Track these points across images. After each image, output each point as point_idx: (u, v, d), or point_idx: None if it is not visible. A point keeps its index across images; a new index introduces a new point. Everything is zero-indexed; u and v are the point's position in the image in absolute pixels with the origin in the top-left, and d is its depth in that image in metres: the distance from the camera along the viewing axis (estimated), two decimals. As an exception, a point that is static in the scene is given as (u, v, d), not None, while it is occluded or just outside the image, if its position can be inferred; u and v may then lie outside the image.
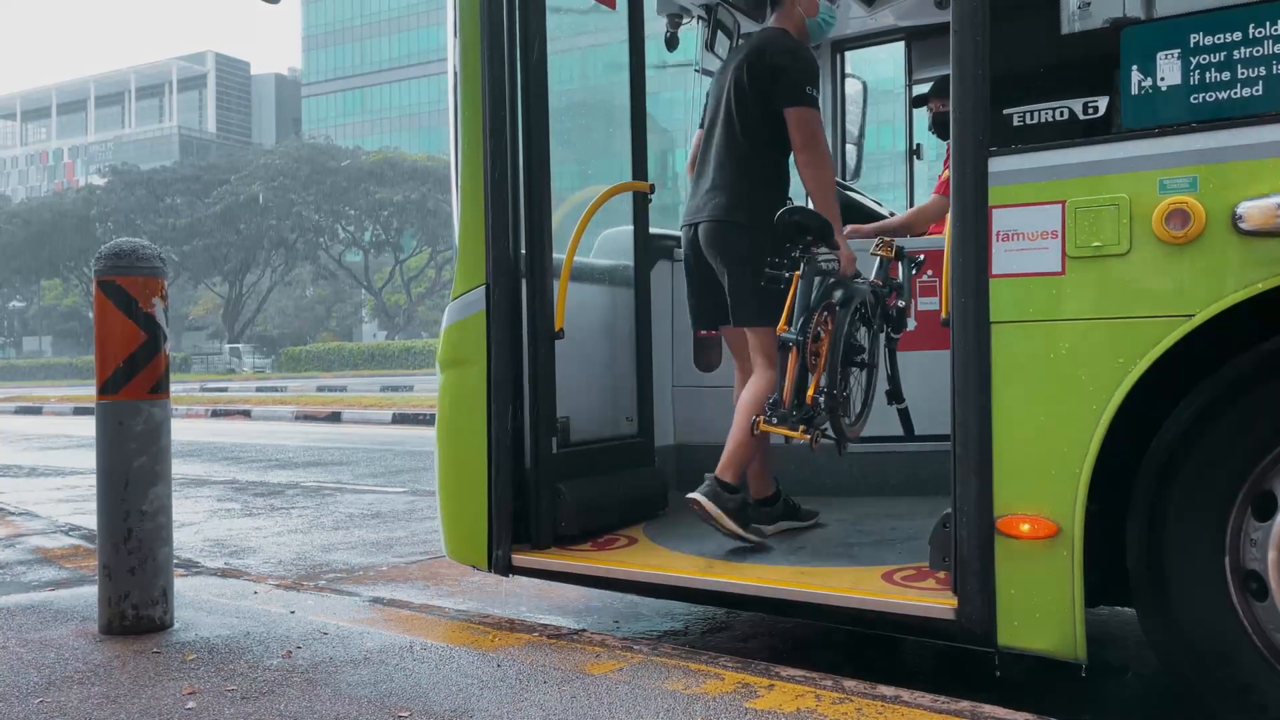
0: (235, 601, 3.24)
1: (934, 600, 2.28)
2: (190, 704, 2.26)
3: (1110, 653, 2.89)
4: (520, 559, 2.95)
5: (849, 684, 2.35)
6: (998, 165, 2.18)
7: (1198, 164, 1.99)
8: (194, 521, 5.77)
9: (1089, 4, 2.14)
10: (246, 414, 16.36)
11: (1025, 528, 2.15)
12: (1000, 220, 2.18)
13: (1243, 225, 1.94)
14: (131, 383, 2.82)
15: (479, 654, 2.62)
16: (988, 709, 2.15)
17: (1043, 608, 2.14)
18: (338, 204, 48.76)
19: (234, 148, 71.82)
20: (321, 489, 7.10)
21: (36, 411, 19.67)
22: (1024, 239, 2.16)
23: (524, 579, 3.14)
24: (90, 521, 4.35)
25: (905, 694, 2.27)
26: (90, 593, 3.15)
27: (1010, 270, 2.17)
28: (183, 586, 3.34)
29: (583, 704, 2.23)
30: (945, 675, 2.84)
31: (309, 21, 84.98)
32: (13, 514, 5.48)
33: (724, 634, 3.33)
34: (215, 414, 16.88)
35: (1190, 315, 1.99)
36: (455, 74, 3.01)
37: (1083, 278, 2.10)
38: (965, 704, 2.19)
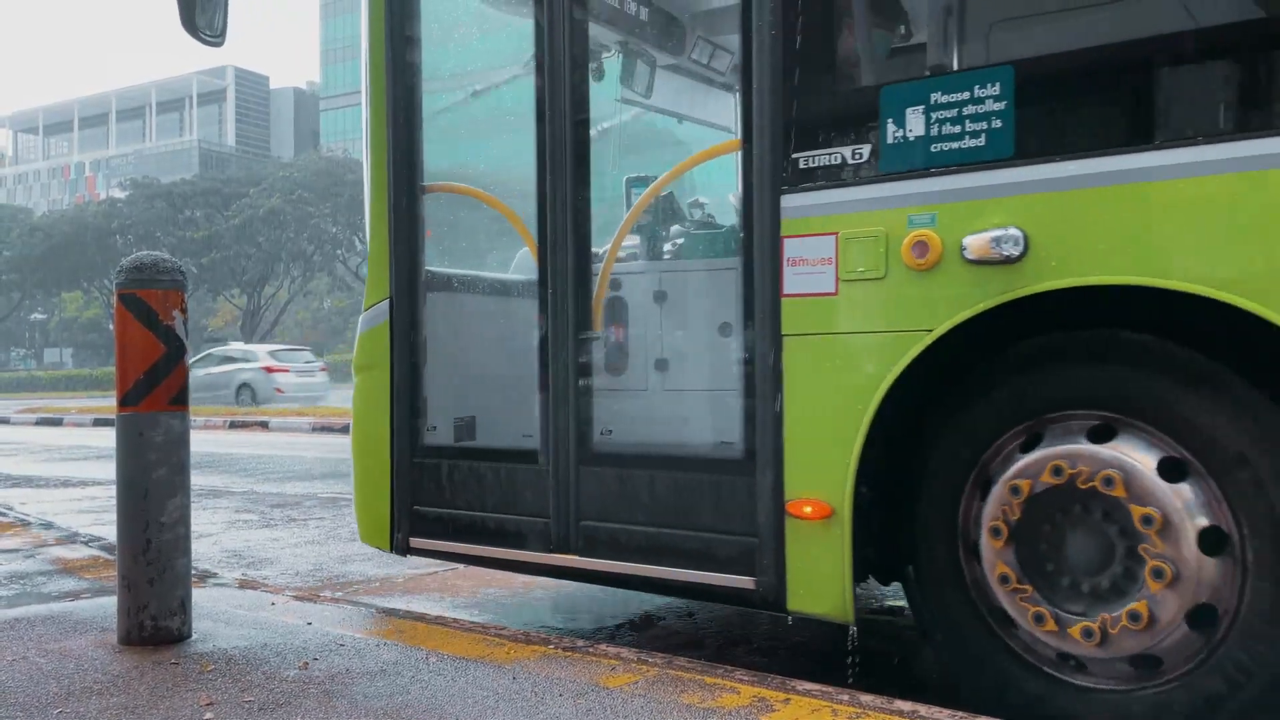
0: (253, 613, 3.25)
1: (739, 573, 2.67)
2: (208, 715, 2.27)
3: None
4: (416, 542, 3.29)
5: (865, 698, 2.34)
6: (788, 201, 2.54)
7: (938, 203, 2.35)
8: (212, 532, 5.79)
9: (857, 66, 2.61)
10: (264, 425, 16.44)
11: (808, 510, 2.52)
12: (790, 248, 2.54)
13: (968, 255, 2.29)
14: (152, 394, 2.85)
15: (494, 666, 2.62)
16: (1006, 724, 2.14)
17: (821, 578, 2.51)
18: (355, 216, 49.02)
19: (253, 161, 72.43)
20: (338, 500, 7.12)
21: (57, 423, 19.83)
22: (808, 264, 2.52)
23: (551, 587, 3.14)
24: (110, 532, 4.38)
25: (922, 709, 2.26)
26: (109, 603, 3.17)
27: (797, 291, 2.54)
28: (201, 597, 3.35)
29: (598, 717, 2.22)
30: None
31: (328, 35, 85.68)
32: (33, 524, 5.52)
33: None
34: (233, 425, 16.97)
35: (930, 330, 2.35)
36: (366, 107, 3.37)
37: (851, 298, 2.46)
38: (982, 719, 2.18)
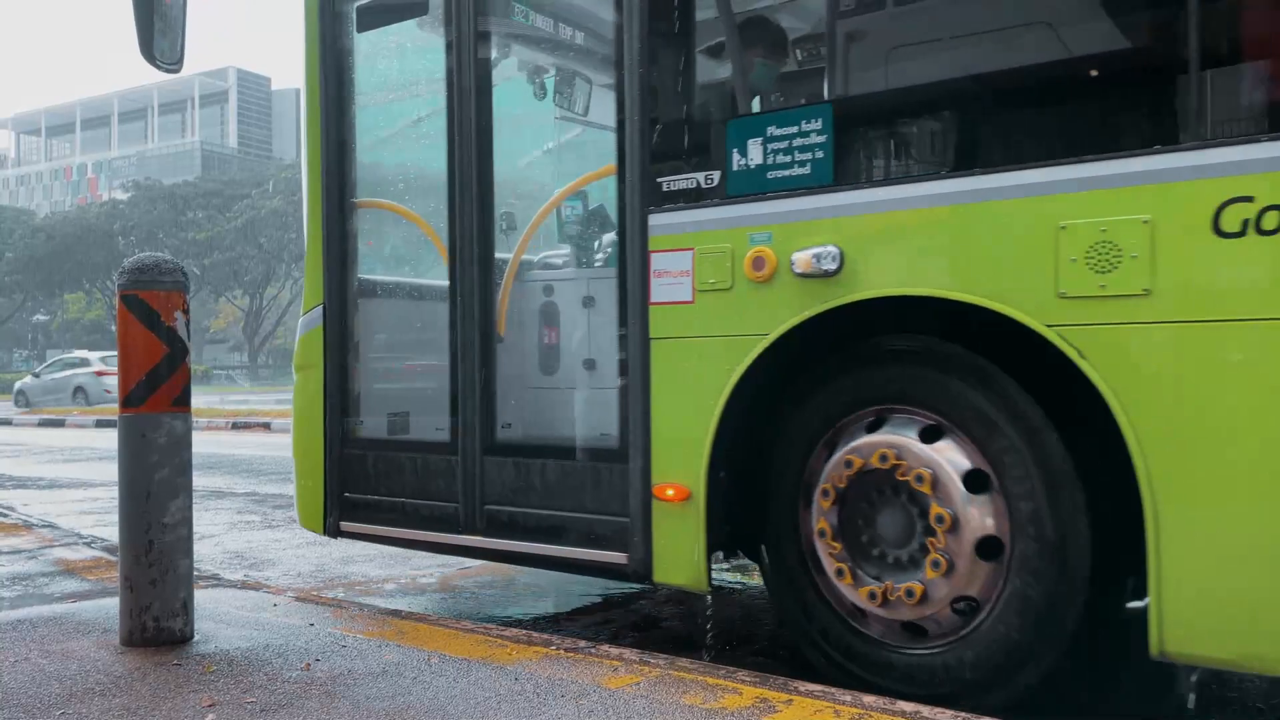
0: (255, 614, 3.25)
1: (615, 550, 2.97)
2: (210, 716, 2.27)
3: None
4: (346, 525, 3.65)
5: (868, 699, 2.34)
6: (654, 220, 2.86)
7: (772, 223, 2.66)
8: (214, 534, 5.80)
9: (704, 102, 2.93)
10: (267, 426, 16.45)
11: (670, 493, 2.84)
12: (656, 261, 2.87)
13: (796, 269, 2.60)
14: (154, 396, 2.85)
15: (497, 667, 2.62)
16: (1009, 725, 2.14)
17: (681, 553, 2.83)
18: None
19: (255, 162, 72.42)
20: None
21: (60, 424, 19.85)
22: (670, 276, 2.84)
23: (551, 584, 3.16)
24: (112, 534, 4.38)
25: (925, 710, 2.25)
26: (112, 604, 3.17)
27: (662, 299, 2.86)
28: (203, 598, 3.35)
29: (600, 718, 2.22)
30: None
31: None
32: (36, 526, 5.52)
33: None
34: (235, 426, 16.98)
35: (767, 334, 2.66)
36: (304, 132, 3.73)
37: (704, 306, 2.78)
38: (986, 720, 2.18)
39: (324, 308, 3.65)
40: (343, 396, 3.65)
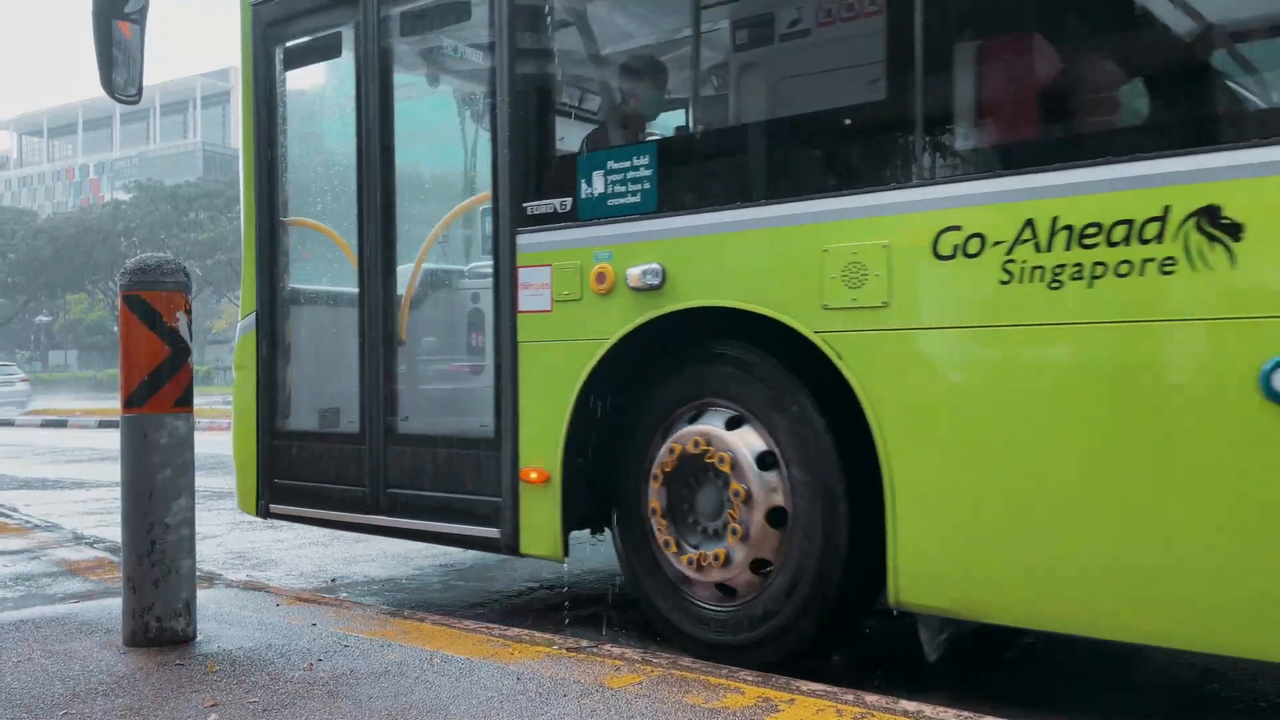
0: (257, 614, 3.26)
1: (491, 527, 3.39)
2: (212, 716, 2.27)
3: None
4: (274, 508, 4.07)
5: (870, 699, 2.34)
6: (521, 239, 3.28)
7: (612, 244, 3.09)
8: (216, 534, 5.80)
9: (560, 139, 3.39)
10: (268, 427, 16.42)
11: (534, 476, 3.24)
12: (522, 275, 3.28)
13: (629, 283, 3.02)
14: (156, 396, 2.85)
15: (499, 667, 2.62)
16: (1011, 724, 2.13)
17: (542, 528, 3.23)
18: (359, 217, 48.88)
19: (257, 163, 72.04)
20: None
21: (62, 425, 19.87)
22: (534, 288, 3.26)
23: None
24: (115, 534, 4.38)
25: (928, 709, 2.25)
26: (114, 605, 3.18)
27: (528, 308, 3.27)
28: (205, 599, 3.36)
29: (602, 718, 2.22)
30: (957, 675, 2.83)
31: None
32: (38, 526, 5.53)
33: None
34: (238, 427, 16.95)
35: (607, 339, 3.08)
36: (241, 158, 4.23)
37: (560, 314, 3.20)
38: None
39: (256, 314, 4.13)
40: (272, 393, 4.10)
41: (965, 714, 2.21)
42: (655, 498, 3.08)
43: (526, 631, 3.09)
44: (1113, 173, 2.30)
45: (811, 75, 3.15)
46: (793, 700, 2.32)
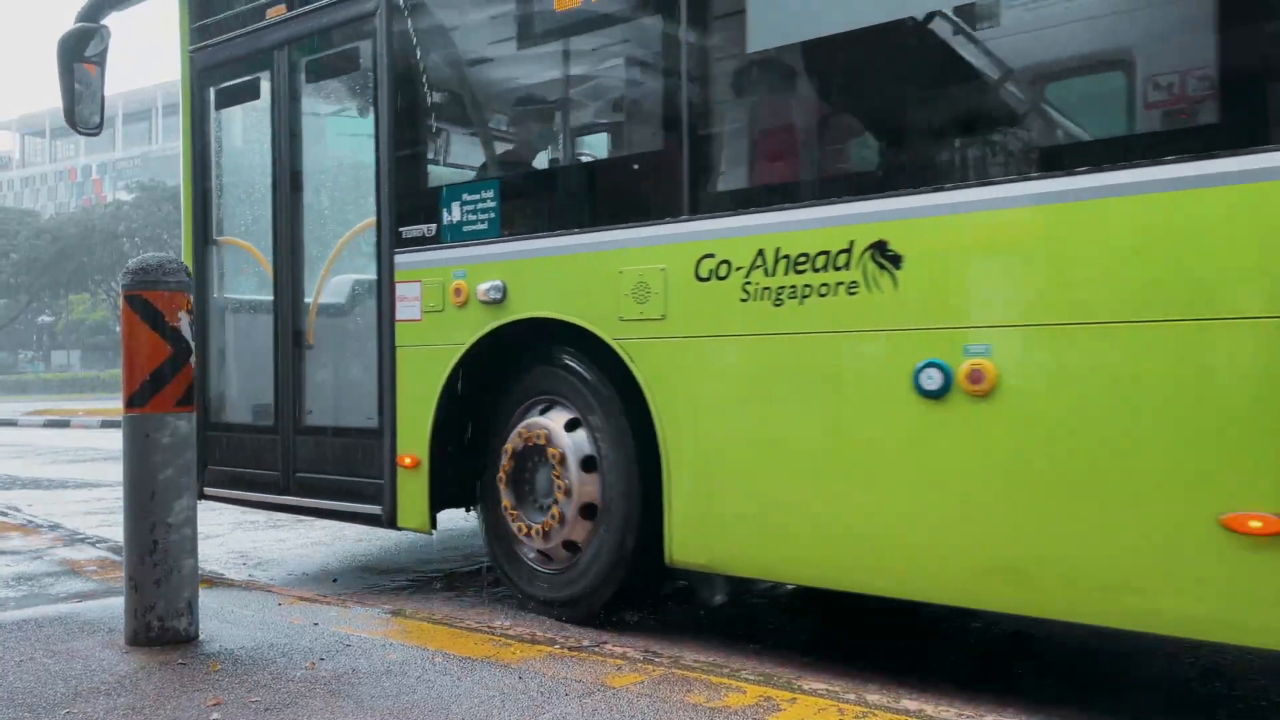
0: (259, 613, 3.26)
1: (376, 505, 3.91)
2: (215, 715, 2.28)
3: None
4: (208, 490, 4.62)
5: (872, 698, 2.34)
6: (398, 259, 3.86)
7: (466, 263, 3.65)
8: (219, 534, 5.81)
9: (428, 173, 3.91)
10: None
11: (408, 461, 3.77)
12: (399, 290, 3.84)
13: (479, 298, 3.58)
14: (158, 396, 2.86)
15: (501, 666, 2.62)
16: (1012, 723, 2.13)
17: (415, 506, 3.76)
18: (360, 217, 48.86)
19: (259, 163, 71.99)
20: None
21: (64, 425, 19.89)
22: (408, 300, 3.81)
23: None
24: (117, 534, 4.39)
25: (929, 708, 2.25)
26: (116, 604, 3.18)
27: (403, 318, 3.83)
28: (207, 598, 3.36)
29: (604, 717, 2.22)
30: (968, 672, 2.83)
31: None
32: (41, 526, 5.54)
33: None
34: (240, 427, 16.95)
35: (463, 344, 3.61)
36: (181, 183, 4.86)
37: (428, 323, 3.75)
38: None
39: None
40: (203, 389, 4.66)
41: (966, 711, 2.21)
42: (503, 473, 3.60)
43: (528, 631, 3.09)
44: (815, 214, 2.85)
45: (605, 129, 3.95)
46: (794, 699, 2.32)
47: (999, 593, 2.56)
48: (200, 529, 3.10)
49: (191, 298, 2.96)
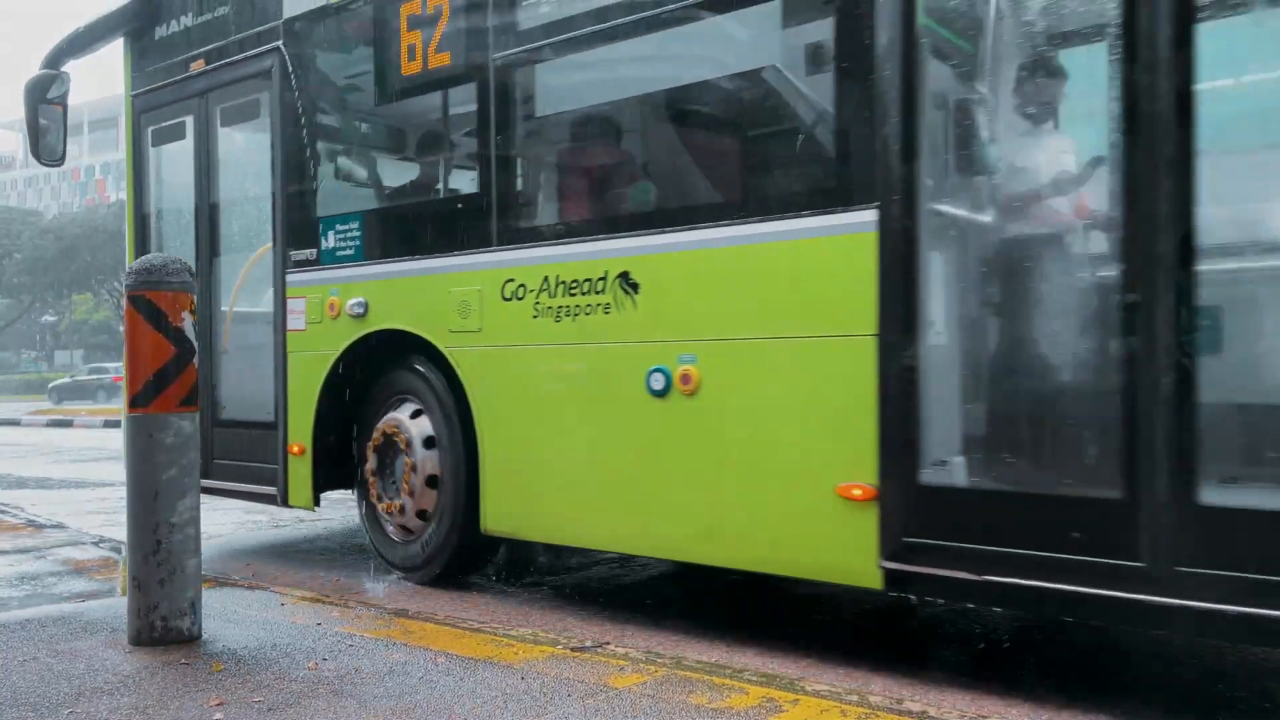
0: (262, 613, 3.26)
1: (273, 486, 4.62)
2: (218, 715, 2.28)
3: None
4: None
5: (874, 699, 2.34)
6: (289, 278, 4.58)
7: (338, 283, 4.38)
8: (221, 534, 5.81)
9: (312, 205, 4.57)
10: (273, 427, 16.42)
11: (296, 449, 4.49)
12: (290, 304, 4.56)
13: (348, 312, 4.31)
14: (162, 396, 2.86)
15: (503, 667, 2.62)
16: (1015, 725, 2.13)
17: (301, 487, 4.47)
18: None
19: (262, 163, 71.92)
20: (348, 501, 7.12)
21: (68, 424, 19.91)
22: (296, 313, 4.54)
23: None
24: (120, 533, 4.39)
25: (932, 709, 2.25)
26: (119, 604, 3.18)
27: (293, 328, 4.55)
28: (210, 598, 3.36)
29: (606, 718, 2.22)
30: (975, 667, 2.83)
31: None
32: (44, 526, 5.55)
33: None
34: (242, 427, 16.95)
35: (336, 350, 4.34)
36: (126, 204, 5.64)
37: (311, 333, 4.48)
38: (992, 720, 2.18)
39: None
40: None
41: (970, 714, 2.21)
42: (370, 460, 4.34)
43: (530, 632, 3.09)
44: (582, 248, 3.56)
45: (438, 173, 4.57)
46: (797, 700, 2.32)
47: (701, 548, 3.30)
48: (204, 529, 3.10)
49: (195, 298, 2.96)
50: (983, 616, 3.60)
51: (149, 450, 2.85)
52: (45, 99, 5.23)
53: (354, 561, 4.86)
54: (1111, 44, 2.61)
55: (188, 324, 2.90)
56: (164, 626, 2.85)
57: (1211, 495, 2.37)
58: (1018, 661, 3.19)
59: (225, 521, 6.27)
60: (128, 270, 2.93)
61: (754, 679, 2.51)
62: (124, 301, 2.92)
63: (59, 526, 5.53)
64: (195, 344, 2.94)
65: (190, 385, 2.91)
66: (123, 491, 3.02)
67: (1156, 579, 2.39)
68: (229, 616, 3.20)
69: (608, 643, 2.98)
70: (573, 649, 2.80)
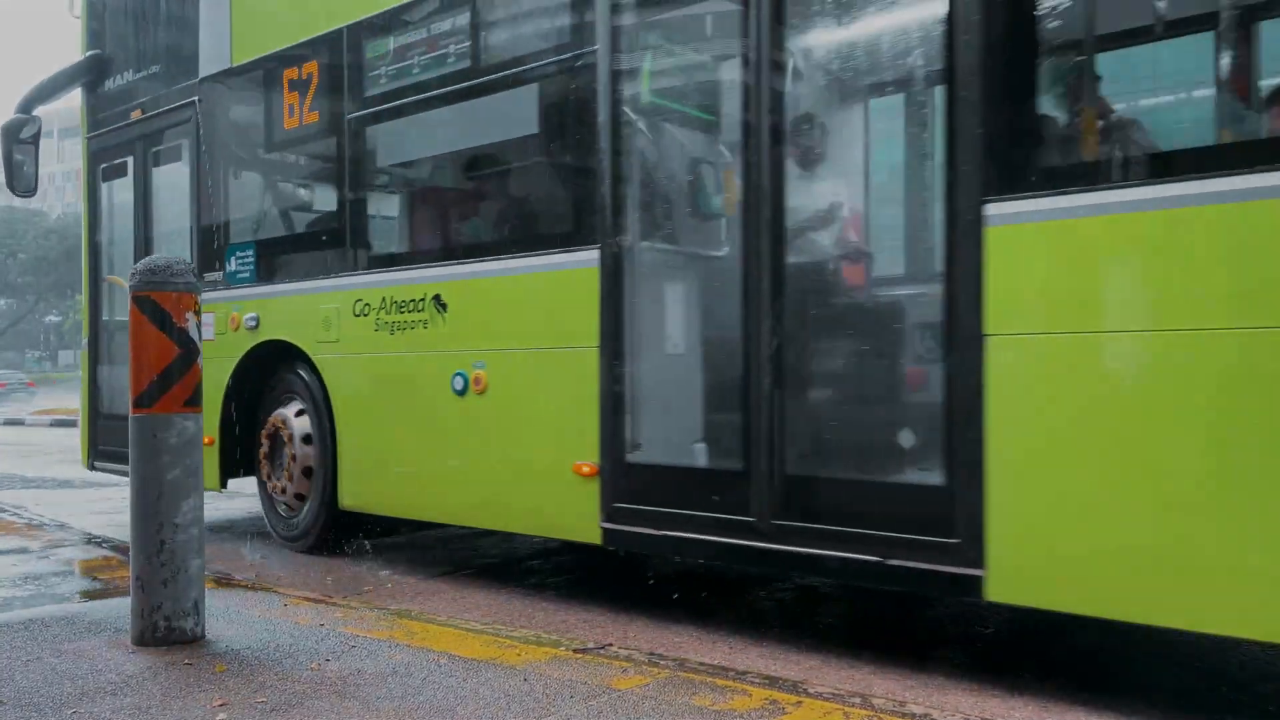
0: (265, 614, 3.26)
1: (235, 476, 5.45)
2: (221, 715, 2.28)
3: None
4: (96, 464, 6.33)
5: (878, 701, 2.34)
6: (203, 296, 4.36)
7: (238, 301, 5.23)
8: (224, 534, 5.81)
9: (221, 229, 5.40)
10: (276, 427, 16.43)
11: (208, 441, 5.04)
12: (205, 317, 5.05)
13: (245, 325, 5.16)
14: (166, 396, 2.86)
15: (506, 668, 2.62)
16: (1018, 728, 2.13)
17: (211, 473, 5.23)
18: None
19: (265, 164, 71.86)
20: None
21: (71, 425, 19.92)
22: (209, 327, 5.29)
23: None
24: (124, 534, 4.40)
25: (935, 712, 2.25)
26: (123, 604, 3.19)
27: (206, 338, 5.04)
28: (214, 598, 3.36)
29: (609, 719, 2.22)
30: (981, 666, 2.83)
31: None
32: (47, 526, 5.55)
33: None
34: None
35: (237, 356, 5.19)
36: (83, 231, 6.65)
37: (219, 342, 5.29)
38: (996, 722, 2.18)
39: (89, 337, 6.54)
40: (95, 388, 6.42)
41: (973, 715, 2.21)
42: (263, 449, 5.17)
43: (533, 633, 3.09)
44: (409, 275, 4.38)
45: (309, 210, 5.28)
46: (800, 702, 2.32)
47: (481, 514, 4.17)
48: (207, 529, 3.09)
49: (199, 299, 2.97)
50: (983, 617, 3.60)
51: (153, 450, 2.85)
52: (19, 139, 6.13)
53: (355, 562, 4.86)
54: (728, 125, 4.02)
55: (191, 325, 2.91)
56: (167, 627, 2.85)
57: (794, 467, 3.21)
58: (1019, 663, 3.19)
59: (234, 508, 6.28)
60: (132, 271, 2.93)
61: (757, 681, 2.51)
62: (129, 302, 2.92)
63: (62, 526, 5.53)
64: (199, 344, 2.94)
65: (194, 386, 2.91)
66: (126, 492, 3.02)
67: (762, 530, 3.22)
68: (232, 617, 3.21)
69: (610, 644, 2.98)
70: (575, 650, 2.80)
